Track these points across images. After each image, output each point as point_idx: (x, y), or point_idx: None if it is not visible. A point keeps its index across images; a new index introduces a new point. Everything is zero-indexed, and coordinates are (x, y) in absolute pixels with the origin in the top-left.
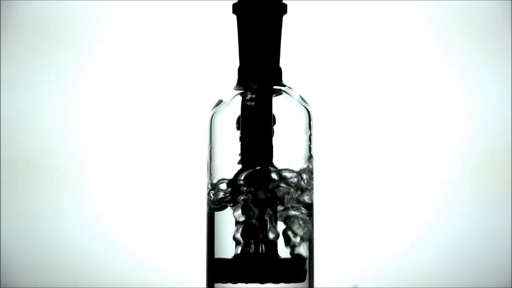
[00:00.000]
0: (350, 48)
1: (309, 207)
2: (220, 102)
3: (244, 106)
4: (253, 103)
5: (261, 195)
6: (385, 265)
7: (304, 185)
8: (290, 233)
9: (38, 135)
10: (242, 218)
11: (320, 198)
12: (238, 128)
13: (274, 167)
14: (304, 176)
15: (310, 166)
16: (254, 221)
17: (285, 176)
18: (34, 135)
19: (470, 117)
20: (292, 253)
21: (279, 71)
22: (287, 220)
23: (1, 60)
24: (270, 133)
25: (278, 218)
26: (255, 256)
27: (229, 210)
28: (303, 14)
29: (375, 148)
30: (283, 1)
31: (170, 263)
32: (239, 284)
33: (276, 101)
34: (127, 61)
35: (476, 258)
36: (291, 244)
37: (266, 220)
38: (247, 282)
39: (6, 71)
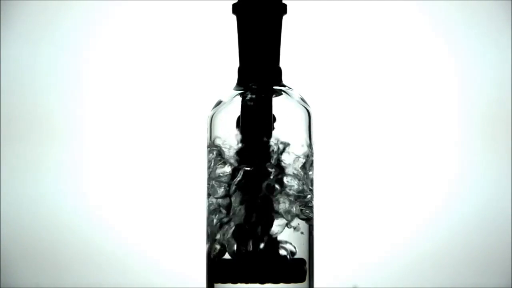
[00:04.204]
0: (350, 48)
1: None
2: (220, 102)
3: (244, 106)
4: (252, 103)
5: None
6: (384, 265)
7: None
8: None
9: (39, 133)
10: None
11: (320, 197)
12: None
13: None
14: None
15: (311, 172)
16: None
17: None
18: (35, 133)
19: (466, 107)
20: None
21: (279, 71)
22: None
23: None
24: (270, 133)
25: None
26: (255, 256)
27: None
28: (303, 14)
29: (375, 149)
30: (283, 1)
31: (170, 263)
32: (239, 284)
33: (276, 101)
34: (128, 61)
35: (476, 257)
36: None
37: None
38: (247, 282)
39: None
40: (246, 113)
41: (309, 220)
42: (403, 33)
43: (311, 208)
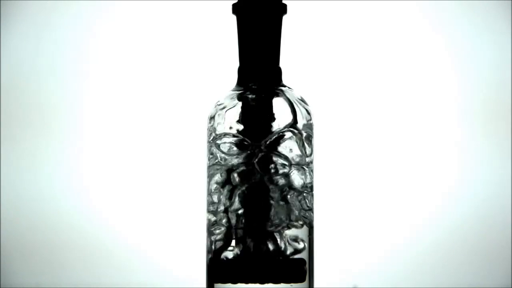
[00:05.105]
0: (350, 48)
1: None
2: (220, 102)
3: (244, 106)
4: (253, 103)
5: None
6: (384, 265)
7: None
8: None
9: (39, 133)
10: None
11: (320, 197)
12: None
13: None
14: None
15: (310, 165)
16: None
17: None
18: (35, 133)
19: (466, 104)
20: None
21: (279, 71)
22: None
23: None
24: (270, 132)
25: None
26: (255, 256)
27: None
28: (303, 14)
29: (375, 148)
30: (283, 1)
31: (170, 263)
32: (239, 284)
33: (276, 101)
34: (128, 60)
35: (476, 257)
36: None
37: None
38: (247, 282)
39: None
40: (246, 113)
41: (309, 224)
42: (403, 33)
43: (311, 210)
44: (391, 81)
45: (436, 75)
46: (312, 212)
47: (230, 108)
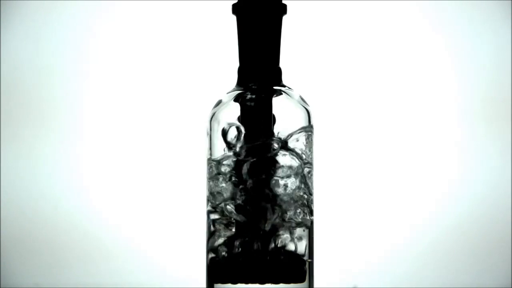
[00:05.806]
0: (350, 48)
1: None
2: (219, 102)
3: (244, 106)
4: (252, 103)
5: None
6: (384, 265)
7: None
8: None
9: (39, 132)
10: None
11: (320, 198)
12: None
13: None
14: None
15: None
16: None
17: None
18: (34, 132)
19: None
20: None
21: (279, 71)
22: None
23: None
24: (270, 133)
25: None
26: (255, 256)
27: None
28: (303, 14)
29: (375, 148)
30: (283, 1)
31: (170, 263)
32: (239, 284)
33: (276, 101)
34: (128, 60)
35: (476, 257)
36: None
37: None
38: (247, 282)
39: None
40: (246, 113)
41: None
42: (403, 33)
43: (311, 210)
44: (391, 81)
45: (436, 75)
46: (312, 210)
47: (230, 108)
